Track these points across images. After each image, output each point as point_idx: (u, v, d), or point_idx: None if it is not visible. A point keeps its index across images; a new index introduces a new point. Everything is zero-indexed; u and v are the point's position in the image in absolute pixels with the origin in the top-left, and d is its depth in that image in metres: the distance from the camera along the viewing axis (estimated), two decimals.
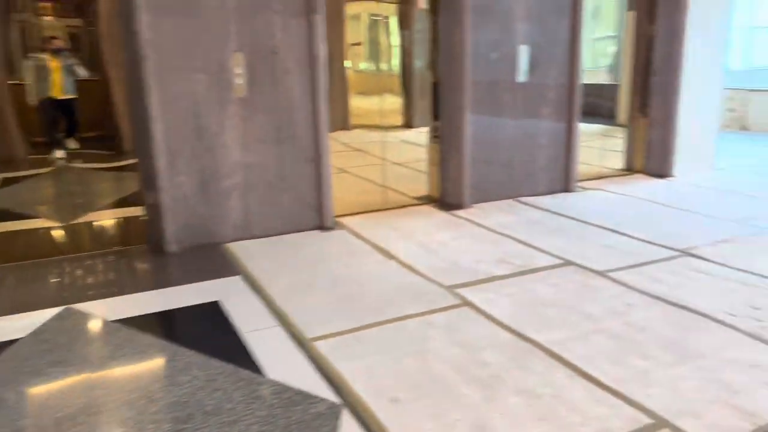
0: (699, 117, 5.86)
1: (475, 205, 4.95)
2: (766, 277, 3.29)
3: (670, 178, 5.76)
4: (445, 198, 5.04)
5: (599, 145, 7.08)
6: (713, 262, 3.55)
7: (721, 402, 2.15)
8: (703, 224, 4.30)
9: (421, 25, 5.70)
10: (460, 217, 4.65)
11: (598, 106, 8.14)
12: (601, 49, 10.54)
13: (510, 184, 5.16)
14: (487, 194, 5.05)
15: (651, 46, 5.88)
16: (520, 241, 4.03)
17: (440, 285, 3.30)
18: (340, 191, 4.67)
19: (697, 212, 4.62)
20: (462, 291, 3.22)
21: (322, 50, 4.13)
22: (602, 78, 10.30)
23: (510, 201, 5.09)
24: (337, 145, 5.40)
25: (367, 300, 3.12)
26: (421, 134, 5.40)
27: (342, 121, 6.83)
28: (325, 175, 4.30)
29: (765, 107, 8.53)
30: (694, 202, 4.93)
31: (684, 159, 5.83)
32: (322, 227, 4.34)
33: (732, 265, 3.48)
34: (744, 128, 8.68)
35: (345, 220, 4.57)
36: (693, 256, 3.66)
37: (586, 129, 6.15)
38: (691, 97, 5.73)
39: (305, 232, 4.29)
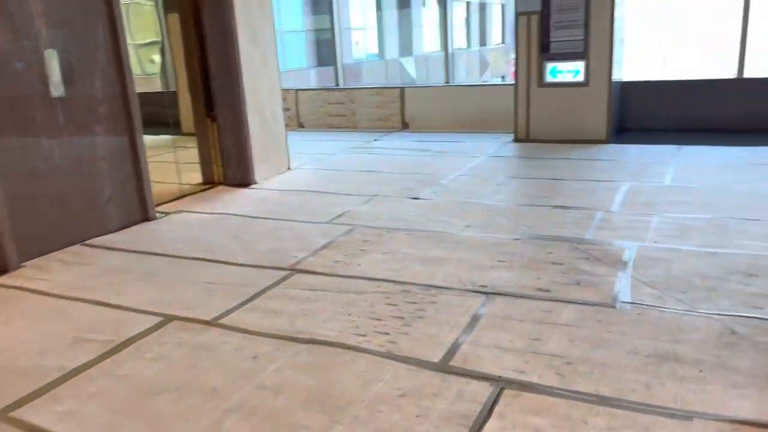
0: (267, 119, 5.76)
1: (26, 263, 3.68)
2: (372, 279, 3.21)
3: (253, 186, 5.52)
4: None
5: (172, 159, 6.41)
6: (322, 274, 3.32)
7: None
8: (299, 232, 4.10)
9: None
10: (6, 287, 3.35)
11: (161, 115, 7.43)
12: (148, 56, 9.81)
13: (71, 225, 4.03)
14: (40, 245, 3.82)
15: (203, 49, 5.47)
16: (100, 303, 3.07)
17: None
18: None
19: (289, 219, 4.43)
20: (20, 414, 2.13)
21: None
22: (158, 86, 9.61)
23: (76, 247, 3.98)
24: None
25: None
26: None
27: None
28: None
29: (311, 105, 9.26)
30: (282, 209, 4.75)
31: (262, 164, 5.66)
32: None
33: (340, 273, 3.31)
34: (301, 126, 9.27)
35: None
36: (301, 271, 3.37)
37: (153, 142, 5.41)
38: (255, 99, 5.57)
39: None
